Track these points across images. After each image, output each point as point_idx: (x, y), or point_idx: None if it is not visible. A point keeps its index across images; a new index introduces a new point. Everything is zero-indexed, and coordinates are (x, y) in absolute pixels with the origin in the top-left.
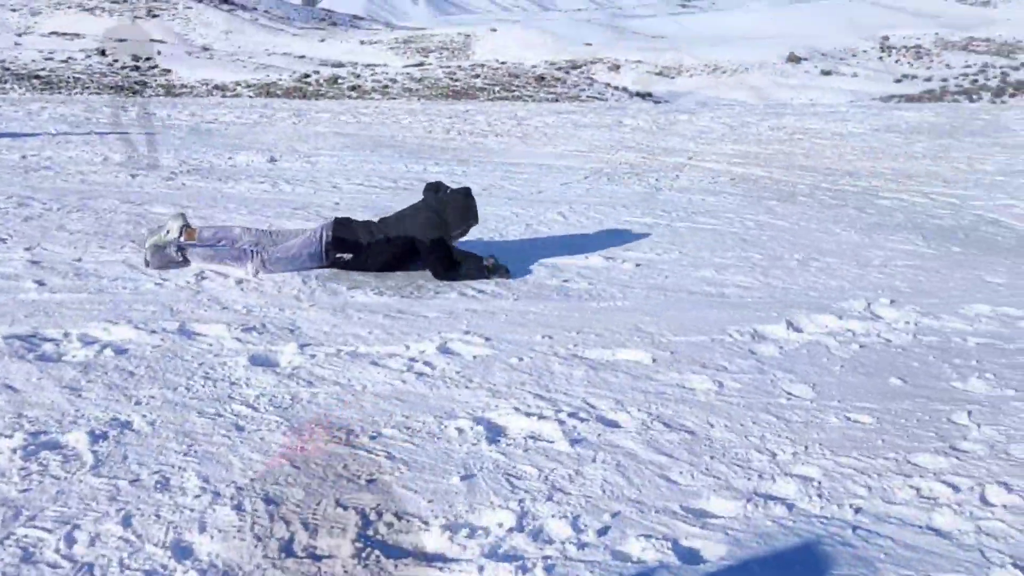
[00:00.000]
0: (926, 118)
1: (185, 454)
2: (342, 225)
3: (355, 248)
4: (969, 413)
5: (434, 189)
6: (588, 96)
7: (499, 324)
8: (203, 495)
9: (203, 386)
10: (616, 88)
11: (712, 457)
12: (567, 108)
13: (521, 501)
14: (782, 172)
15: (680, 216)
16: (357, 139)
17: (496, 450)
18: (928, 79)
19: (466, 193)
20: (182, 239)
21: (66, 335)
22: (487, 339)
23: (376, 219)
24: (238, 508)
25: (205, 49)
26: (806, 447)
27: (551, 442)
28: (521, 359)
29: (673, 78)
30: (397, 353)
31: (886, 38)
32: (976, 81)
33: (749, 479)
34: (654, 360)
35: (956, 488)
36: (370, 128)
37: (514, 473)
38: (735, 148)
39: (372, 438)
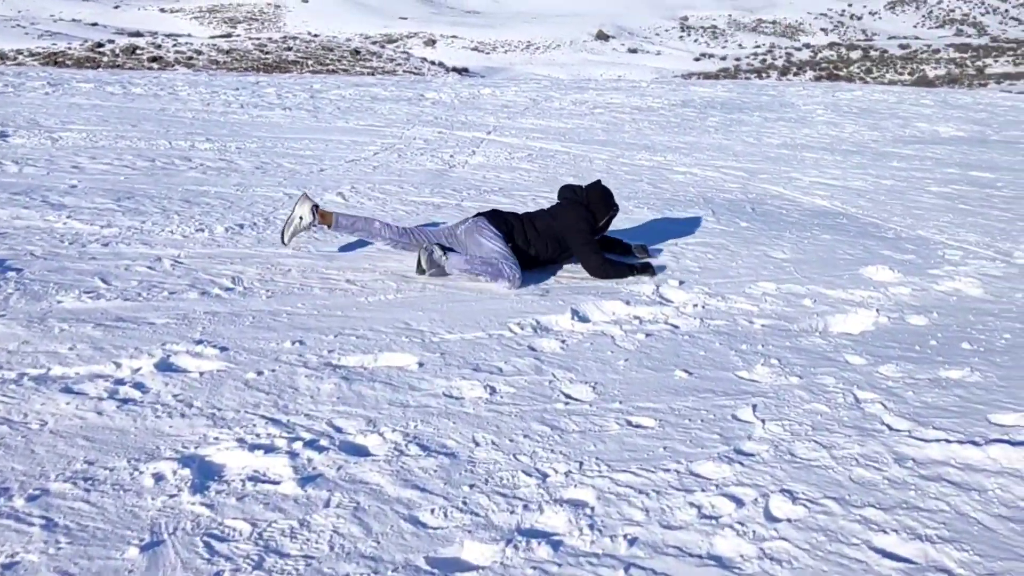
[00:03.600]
0: (719, 94)
1: None
2: (494, 215)
3: (511, 238)
4: (754, 407)
5: (571, 189)
6: (405, 71)
7: (242, 329)
8: None
9: None
10: (432, 63)
11: (472, 486)
12: (367, 81)
13: (219, 574)
14: (580, 147)
15: (471, 195)
16: (119, 112)
17: (201, 501)
18: (723, 58)
19: (601, 185)
20: (316, 222)
21: None
22: (223, 349)
23: (520, 213)
24: None
25: None
26: (581, 464)
27: (276, 483)
28: (260, 373)
29: (488, 54)
30: (103, 374)
31: (685, 18)
32: (765, 60)
33: (513, 511)
34: (420, 364)
35: (740, 502)
36: (138, 100)
37: (218, 532)
38: (536, 123)
39: (31, 498)
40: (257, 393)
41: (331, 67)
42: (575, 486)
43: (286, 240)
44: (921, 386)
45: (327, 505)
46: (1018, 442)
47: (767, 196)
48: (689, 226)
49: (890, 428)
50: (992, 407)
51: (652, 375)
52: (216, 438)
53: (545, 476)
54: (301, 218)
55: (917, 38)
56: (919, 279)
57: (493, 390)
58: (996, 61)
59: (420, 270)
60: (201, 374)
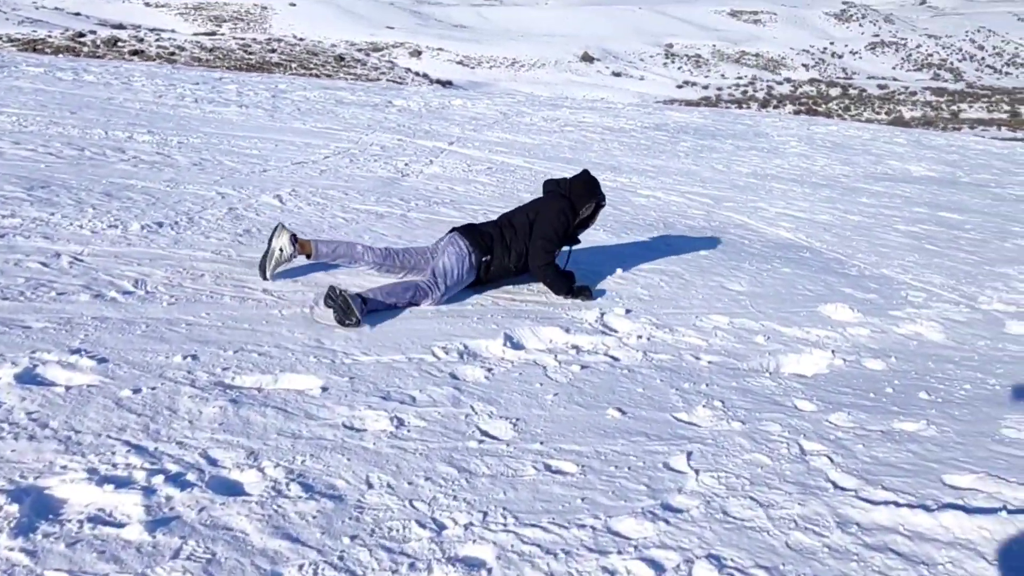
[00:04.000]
0: (693, 119)
1: None
2: (469, 231)
3: (491, 250)
4: (689, 455)
5: (555, 182)
6: (388, 80)
7: (130, 339)
8: None
9: None
10: (417, 74)
11: (354, 537)
12: (336, 84)
13: None
14: (544, 163)
15: (419, 206)
16: (61, 98)
17: (22, 546)
18: (706, 87)
19: (585, 172)
20: (296, 252)
21: None
22: (101, 361)
23: (496, 217)
24: None
25: None
26: (485, 514)
27: (121, 526)
28: (137, 391)
29: (473, 68)
30: None
31: (670, 45)
32: (746, 92)
33: (395, 570)
34: (324, 389)
35: (659, 568)
36: (86, 88)
37: None
38: (502, 136)
39: None
40: (127, 414)
41: (315, 71)
42: (474, 541)
43: (268, 275)
44: (872, 439)
45: (175, 556)
46: (972, 508)
47: (730, 225)
48: (644, 251)
49: (835, 486)
50: (947, 466)
51: (581, 413)
52: (64, 467)
53: (441, 528)
54: (281, 250)
55: (895, 79)
56: (879, 320)
57: (401, 422)
58: (971, 107)
59: (348, 324)
60: (68, 389)
